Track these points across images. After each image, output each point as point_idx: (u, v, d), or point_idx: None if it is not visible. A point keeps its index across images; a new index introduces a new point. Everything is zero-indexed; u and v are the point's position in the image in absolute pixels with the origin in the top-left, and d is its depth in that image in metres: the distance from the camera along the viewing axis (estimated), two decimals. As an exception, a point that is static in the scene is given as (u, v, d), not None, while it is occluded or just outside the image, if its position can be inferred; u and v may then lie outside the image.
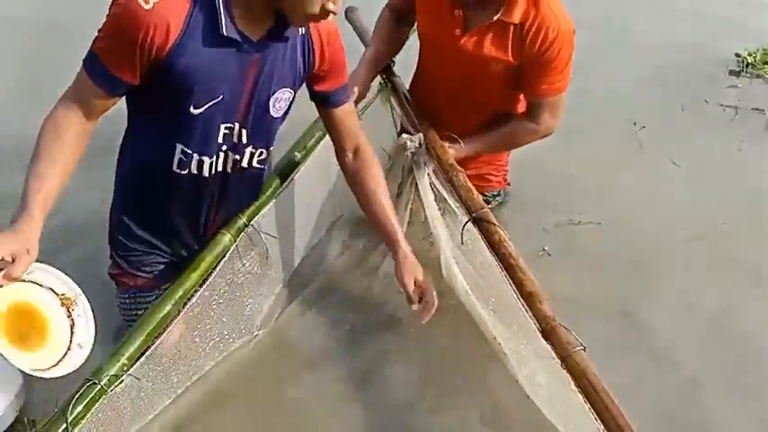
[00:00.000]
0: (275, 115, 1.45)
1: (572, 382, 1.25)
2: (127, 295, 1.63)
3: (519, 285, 1.46)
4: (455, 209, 1.72)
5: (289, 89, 1.43)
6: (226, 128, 1.39)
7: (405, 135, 1.85)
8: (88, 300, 1.30)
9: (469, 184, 1.69)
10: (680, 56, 3.18)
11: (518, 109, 1.90)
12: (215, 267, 1.51)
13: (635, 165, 2.46)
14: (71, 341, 1.27)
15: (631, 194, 2.29)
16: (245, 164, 1.49)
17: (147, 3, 1.18)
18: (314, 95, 1.53)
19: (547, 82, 1.73)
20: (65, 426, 1.20)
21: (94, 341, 1.29)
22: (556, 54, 1.68)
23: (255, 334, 1.68)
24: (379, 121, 2.05)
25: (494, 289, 1.58)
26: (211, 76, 1.29)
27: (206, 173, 1.43)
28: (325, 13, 1.24)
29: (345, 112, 1.57)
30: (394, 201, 1.74)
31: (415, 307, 1.51)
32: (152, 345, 1.37)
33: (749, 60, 3.15)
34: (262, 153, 1.50)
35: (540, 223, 2.12)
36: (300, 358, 1.67)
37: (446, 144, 1.82)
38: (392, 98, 2.05)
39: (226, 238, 1.54)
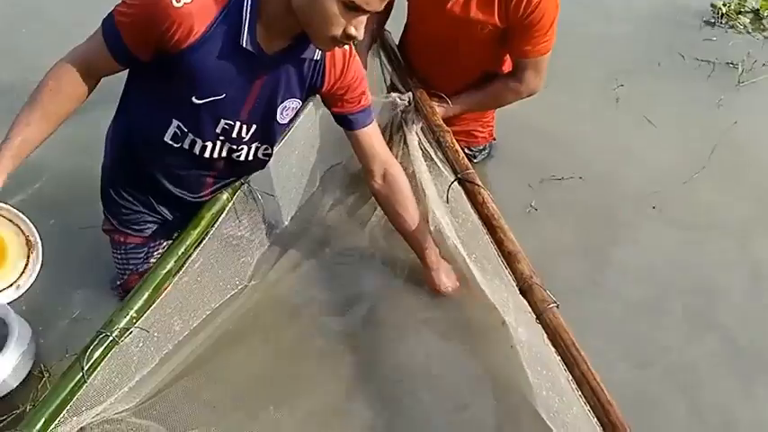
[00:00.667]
0: (282, 122, 1.51)
1: (545, 336, 1.38)
2: (119, 251, 1.70)
3: (499, 244, 1.56)
4: (441, 168, 1.80)
5: (297, 99, 1.48)
6: (225, 123, 1.44)
7: (394, 93, 1.90)
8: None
9: (456, 146, 1.76)
10: (655, 6, 3.19)
11: (503, 70, 1.95)
12: (213, 224, 1.59)
13: (614, 121, 2.52)
14: (17, 280, 1.39)
15: (610, 150, 2.36)
16: (248, 157, 1.55)
17: (178, 1, 1.22)
18: (335, 117, 1.59)
19: (531, 43, 1.78)
20: (80, 374, 1.30)
21: (27, 289, 1.40)
22: (540, 17, 1.71)
23: (247, 285, 1.76)
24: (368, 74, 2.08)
25: (477, 245, 1.69)
26: (217, 77, 1.34)
27: (198, 152, 1.48)
28: (346, 37, 1.27)
29: (368, 135, 1.62)
30: None
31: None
32: (157, 298, 1.47)
33: (724, 10, 3.16)
34: (267, 149, 1.57)
35: (525, 179, 2.19)
36: (291, 309, 1.76)
37: (434, 103, 1.88)
38: (381, 53, 2.08)
39: (223, 196, 1.62)
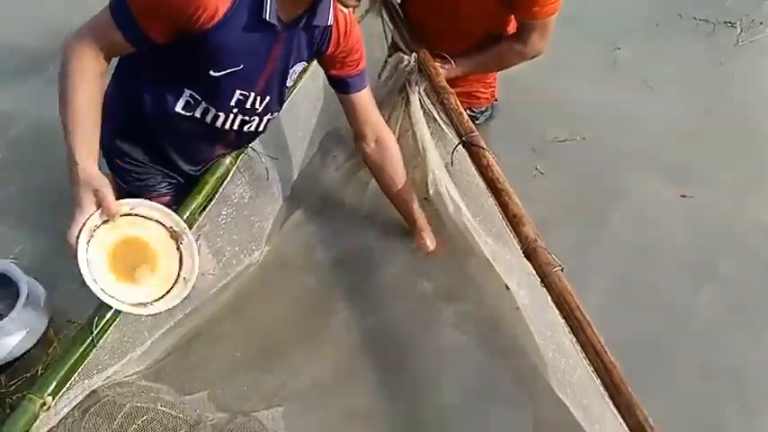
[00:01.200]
0: (289, 84, 1.51)
1: (549, 299, 1.40)
2: None
3: (504, 208, 1.56)
4: (445, 130, 1.79)
5: (305, 62, 1.49)
6: (240, 94, 1.42)
7: (398, 54, 1.87)
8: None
9: (460, 108, 1.75)
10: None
11: (508, 31, 1.92)
12: (218, 189, 1.58)
13: (613, 82, 2.52)
14: (179, 274, 1.29)
15: (610, 111, 2.37)
16: (258, 128, 1.55)
17: None
18: (331, 80, 1.59)
19: (539, 4, 1.75)
20: (90, 338, 1.31)
21: (197, 274, 1.30)
22: None
23: (262, 250, 1.77)
24: (370, 33, 2.04)
25: (481, 209, 1.70)
26: (239, 51, 1.32)
27: (209, 121, 1.46)
28: None
29: (362, 99, 1.63)
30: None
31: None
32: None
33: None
34: (274, 115, 1.56)
35: (526, 142, 2.21)
36: (297, 271, 1.78)
37: (438, 64, 1.86)
38: (383, 12, 2.04)
39: (227, 160, 1.60)
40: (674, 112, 2.38)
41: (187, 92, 1.41)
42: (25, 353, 1.56)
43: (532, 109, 2.33)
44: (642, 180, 2.12)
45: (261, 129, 1.56)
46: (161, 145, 1.53)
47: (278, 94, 1.50)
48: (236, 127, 1.50)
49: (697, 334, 1.71)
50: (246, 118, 1.49)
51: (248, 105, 1.46)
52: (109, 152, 1.59)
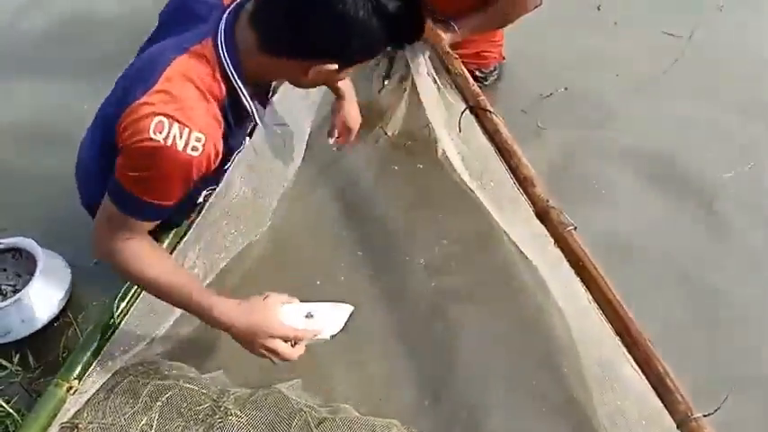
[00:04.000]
0: None
1: (564, 259, 1.39)
2: None
3: (514, 170, 1.56)
4: (451, 97, 1.77)
5: None
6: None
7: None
8: None
9: (465, 72, 1.73)
10: None
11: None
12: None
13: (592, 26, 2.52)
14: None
15: (587, 57, 2.37)
16: None
17: (195, 150, 1.09)
18: None
19: None
20: (113, 320, 1.34)
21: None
22: None
23: (268, 225, 1.78)
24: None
25: (490, 172, 1.69)
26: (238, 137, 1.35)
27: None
28: None
29: None
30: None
31: (331, 140, 1.75)
32: (178, 244, 1.49)
33: None
34: None
35: (517, 103, 2.18)
36: (309, 242, 1.81)
37: (440, 29, 1.83)
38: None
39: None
40: (652, 49, 2.39)
41: (204, 191, 1.46)
42: (50, 323, 1.59)
43: (516, 70, 2.30)
44: (633, 117, 2.14)
45: None
46: None
47: None
48: None
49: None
50: None
51: None
52: None
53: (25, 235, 1.67)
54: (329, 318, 1.28)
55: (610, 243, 1.72)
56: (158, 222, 1.25)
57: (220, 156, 1.18)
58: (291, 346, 1.23)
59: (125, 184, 1.14)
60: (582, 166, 2.02)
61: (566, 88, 2.22)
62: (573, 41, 2.40)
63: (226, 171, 1.43)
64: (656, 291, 1.68)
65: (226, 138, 1.20)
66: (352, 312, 1.31)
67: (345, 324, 1.30)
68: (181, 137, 1.07)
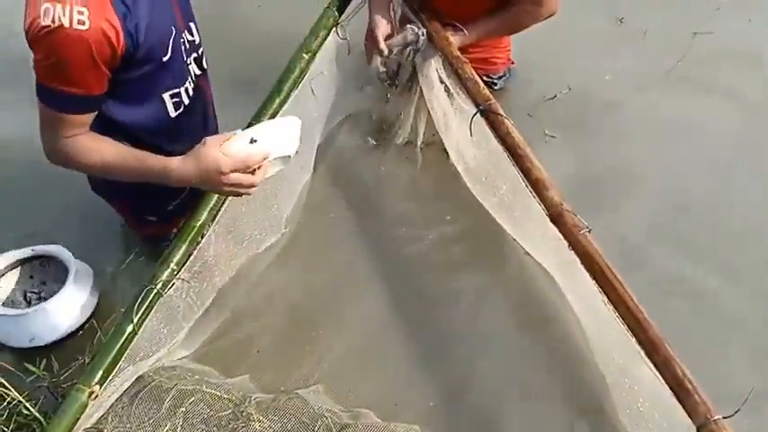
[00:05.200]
0: None
1: (579, 262, 1.40)
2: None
3: (527, 173, 1.56)
4: (461, 101, 1.78)
5: None
6: (182, 44, 1.43)
7: (408, 27, 1.85)
8: None
9: (476, 76, 1.73)
10: None
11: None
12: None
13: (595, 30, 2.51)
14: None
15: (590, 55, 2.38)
16: (199, 51, 1.53)
17: (81, 24, 1.13)
18: None
19: None
20: (132, 326, 1.35)
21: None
22: None
23: (283, 232, 1.80)
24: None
25: (502, 177, 1.70)
26: (158, 21, 1.30)
27: (191, 92, 1.49)
28: None
29: None
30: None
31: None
32: (194, 250, 1.50)
33: None
34: (196, 30, 1.53)
35: (523, 108, 2.19)
36: (322, 248, 1.83)
37: (449, 33, 1.84)
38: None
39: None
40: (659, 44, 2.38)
41: (166, 95, 1.43)
42: (76, 331, 1.62)
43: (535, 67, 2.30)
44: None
45: (201, 49, 1.54)
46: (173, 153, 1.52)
47: (186, 6, 1.49)
48: (199, 72, 1.52)
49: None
50: (197, 54, 1.51)
51: (188, 44, 1.46)
52: (129, 200, 1.68)
53: (53, 241, 1.69)
54: (276, 136, 1.32)
55: (621, 248, 1.73)
56: (90, 115, 1.30)
57: (121, 33, 1.19)
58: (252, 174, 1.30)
59: (41, 79, 1.21)
60: (587, 168, 2.02)
61: (569, 88, 2.23)
62: (573, 43, 2.41)
63: (172, 60, 1.39)
64: (666, 297, 1.69)
65: (127, 17, 1.21)
66: (302, 125, 1.35)
67: (300, 138, 1.35)
68: (64, 14, 1.12)
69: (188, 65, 1.47)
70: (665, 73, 2.28)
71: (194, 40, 1.49)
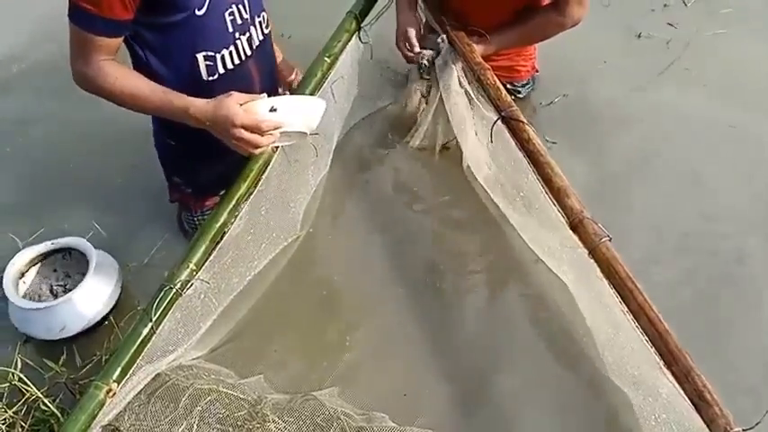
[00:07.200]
0: None
1: (598, 270, 1.39)
2: (195, 215, 1.79)
3: (547, 181, 1.55)
4: (482, 107, 1.78)
5: None
6: (229, 13, 1.44)
7: (431, 35, 1.86)
8: None
9: (498, 83, 1.73)
10: None
11: (543, 2, 1.88)
12: (261, 175, 1.60)
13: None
14: None
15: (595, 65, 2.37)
16: (258, 37, 1.55)
17: None
18: None
19: None
20: (150, 325, 1.36)
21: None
22: None
23: (298, 235, 1.81)
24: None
25: (520, 184, 1.69)
26: None
27: (231, 65, 1.50)
28: None
29: None
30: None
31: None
32: (213, 251, 1.51)
33: None
34: (263, 17, 1.56)
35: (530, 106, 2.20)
36: (337, 250, 1.83)
37: (473, 41, 1.84)
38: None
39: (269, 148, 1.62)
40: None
41: (200, 56, 1.44)
42: (102, 320, 1.64)
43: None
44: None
45: (261, 37, 1.56)
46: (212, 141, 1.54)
47: None
48: (248, 51, 1.52)
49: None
50: (249, 35, 1.51)
51: (240, 20, 1.47)
52: (167, 157, 1.71)
53: (79, 235, 1.72)
54: (296, 111, 1.39)
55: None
56: (116, 41, 1.34)
57: None
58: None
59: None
60: (590, 172, 2.01)
61: (565, 95, 2.23)
62: (567, 48, 2.34)
63: (208, 18, 1.40)
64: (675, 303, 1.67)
65: None
66: (326, 109, 1.41)
67: (321, 119, 1.41)
68: None
69: (235, 38, 1.48)
70: (660, 73, 2.27)
71: (247, 19, 1.50)
